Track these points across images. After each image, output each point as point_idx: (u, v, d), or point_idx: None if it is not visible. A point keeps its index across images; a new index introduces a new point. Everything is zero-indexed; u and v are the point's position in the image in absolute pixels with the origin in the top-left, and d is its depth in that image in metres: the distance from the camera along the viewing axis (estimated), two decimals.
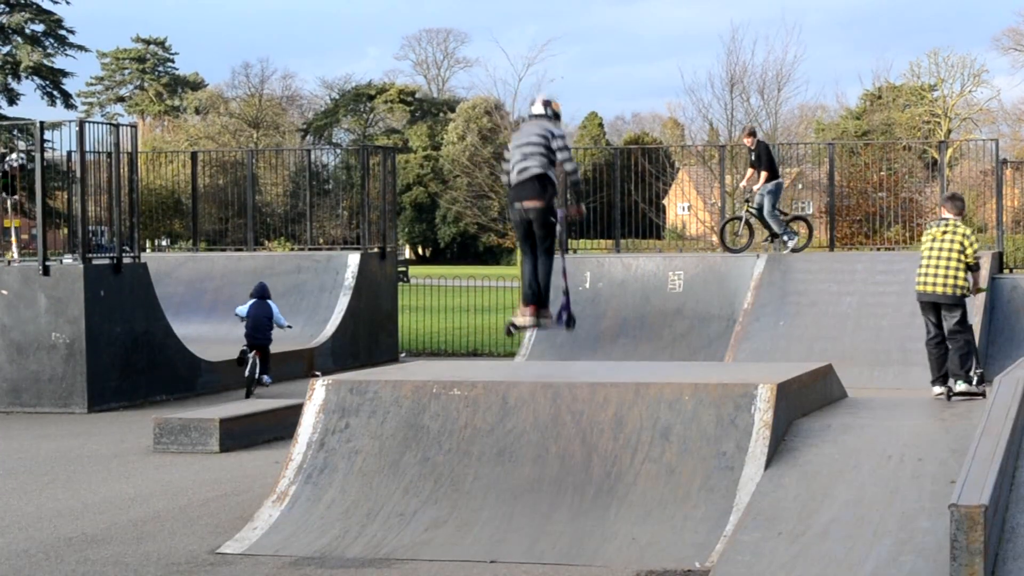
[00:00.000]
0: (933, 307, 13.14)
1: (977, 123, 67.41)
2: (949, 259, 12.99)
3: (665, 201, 46.36)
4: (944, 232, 13.08)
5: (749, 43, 64.22)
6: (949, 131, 63.60)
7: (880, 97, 67.03)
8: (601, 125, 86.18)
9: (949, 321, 13.08)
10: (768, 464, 9.58)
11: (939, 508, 8.43)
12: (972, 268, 13.13)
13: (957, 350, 13.04)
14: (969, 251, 13.02)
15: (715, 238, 34.83)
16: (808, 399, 10.97)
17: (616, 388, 10.29)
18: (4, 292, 18.22)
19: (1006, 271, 23.33)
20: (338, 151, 50.10)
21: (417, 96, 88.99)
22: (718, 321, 22.03)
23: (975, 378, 13.03)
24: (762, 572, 8.30)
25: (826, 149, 28.48)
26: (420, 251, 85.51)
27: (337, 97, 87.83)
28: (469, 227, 75.12)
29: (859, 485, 9.24)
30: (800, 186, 42.77)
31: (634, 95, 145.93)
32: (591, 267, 23.07)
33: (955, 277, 12.99)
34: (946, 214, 13.28)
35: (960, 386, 12.92)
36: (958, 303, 13.05)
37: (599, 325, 22.26)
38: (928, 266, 13.09)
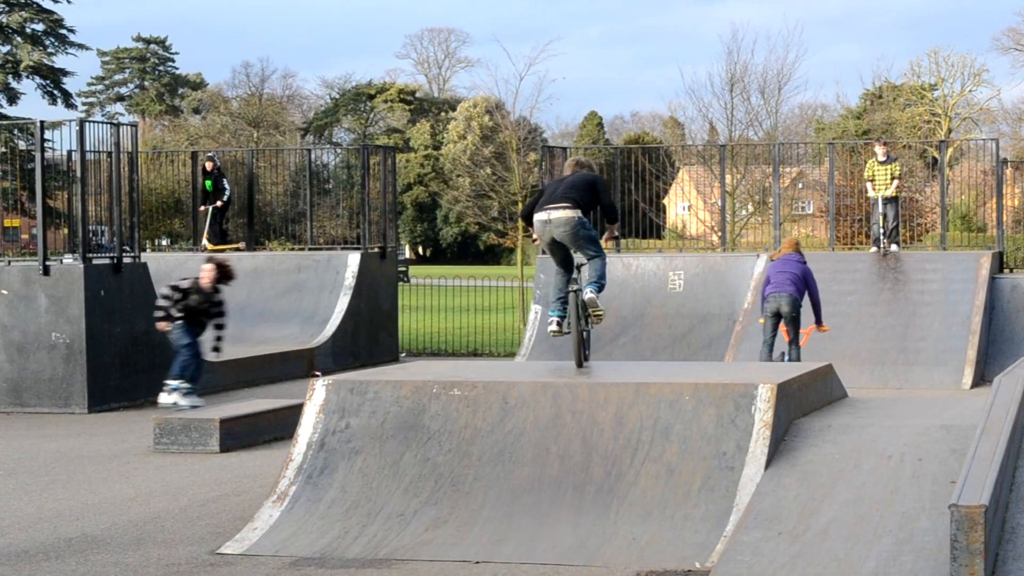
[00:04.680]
0: None
1: (977, 123, 67.36)
2: None
3: (665, 201, 46.32)
4: None
5: (749, 43, 64.10)
6: (949, 130, 63.54)
7: (880, 96, 66.95)
8: (600, 125, 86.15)
9: None
10: (768, 464, 9.58)
11: (939, 508, 8.43)
12: None
13: None
14: None
15: (715, 238, 34.78)
16: (808, 399, 10.96)
17: (616, 388, 10.29)
18: (4, 292, 18.22)
19: (1006, 271, 23.31)
20: (338, 150, 50.05)
21: (417, 95, 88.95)
22: (718, 321, 22.03)
23: None
24: (762, 572, 8.31)
25: (826, 148, 28.48)
26: (421, 251, 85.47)
27: (337, 96, 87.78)
28: (470, 227, 75.04)
29: (859, 485, 9.24)
30: (801, 186, 42.77)
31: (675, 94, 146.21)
32: None
33: None
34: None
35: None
36: None
37: (599, 325, 22.22)
38: None
